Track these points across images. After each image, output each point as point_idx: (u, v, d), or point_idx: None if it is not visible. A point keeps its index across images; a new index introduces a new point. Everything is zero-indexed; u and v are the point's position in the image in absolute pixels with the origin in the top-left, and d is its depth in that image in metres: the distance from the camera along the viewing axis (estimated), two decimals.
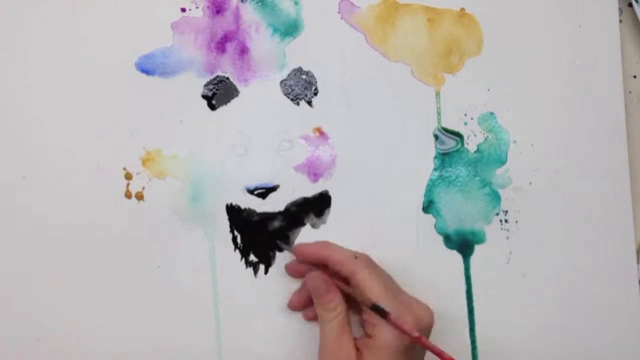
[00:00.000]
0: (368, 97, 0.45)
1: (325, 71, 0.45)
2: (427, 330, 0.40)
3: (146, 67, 0.44)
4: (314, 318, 0.43)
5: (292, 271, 0.44)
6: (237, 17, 0.44)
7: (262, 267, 0.44)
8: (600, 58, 0.46)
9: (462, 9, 0.46)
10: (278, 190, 0.44)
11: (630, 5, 0.48)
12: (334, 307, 0.40)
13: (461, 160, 0.46)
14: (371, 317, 0.39)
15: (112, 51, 0.44)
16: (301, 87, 0.45)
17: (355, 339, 0.39)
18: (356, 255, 0.41)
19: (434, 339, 0.45)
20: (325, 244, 0.43)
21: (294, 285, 0.44)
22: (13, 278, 0.43)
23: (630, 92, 0.48)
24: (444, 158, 0.45)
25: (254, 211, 0.44)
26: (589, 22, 0.46)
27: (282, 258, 0.44)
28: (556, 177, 0.46)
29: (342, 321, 0.39)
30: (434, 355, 0.38)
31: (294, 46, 0.45)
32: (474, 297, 0.45)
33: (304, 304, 0.43)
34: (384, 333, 0.38)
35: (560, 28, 0.46)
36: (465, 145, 0.46)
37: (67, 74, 0.44)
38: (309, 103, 0.45)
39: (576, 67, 0.46)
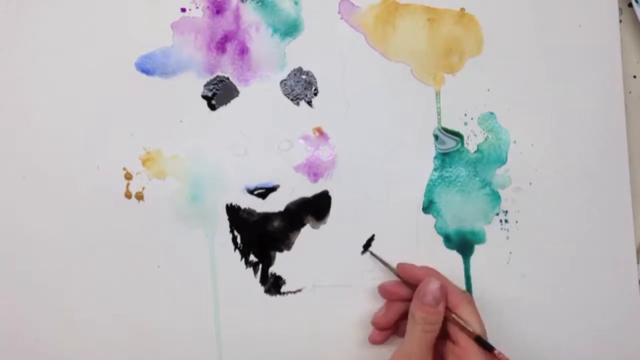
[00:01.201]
0: (368, 97, 0.45)
1: (325, 71, 0.45)
2: None
3: (146, 67, 0.44)
4: (381, 341, 0.44)
5: (389, 292, 0.43)
6: (237, 17, 0.44)
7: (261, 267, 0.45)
8: (600, 58, 0.46)
9: (462, 9, 0.46)
10: (278, 190, 0.44)
11: (630, 5, 0.48)
12: (437, 320, 0.40)
13: (461, 160, 0.46)
14: (459, 348, 0.39)
15: (112, 51, 0.44)
16: (301, 87, 0.45)
17: None
18: (461, 292, 0.42)
19: None
20: (432, 270, 0.43)
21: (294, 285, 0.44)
22: (13, 278, 0.43)
23: (630, 92, 0.47)
24: (444, 158, 0.45)
25: (254, 211, 0.44)
26: (589, 22, 0.46)
27: (282, 258, 0.45)
28: (556, 177, 0.46)
29: (435, 337, 0.40)
30: None
31: (294, 46, 0.45)
32: (474, 297, 0.45)
33: (391, 325, 0.43)
34: None
35: (560, 28, 0.46)
36: (465, 145, 0.46)
37: (67, 74, 0.44)
38: (309, 103, 0.45)
39: (576, 67, 0.46)
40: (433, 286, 0.40)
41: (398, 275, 0.43)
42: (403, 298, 0.43)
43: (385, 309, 0.44)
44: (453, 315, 0.40)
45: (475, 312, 0.41)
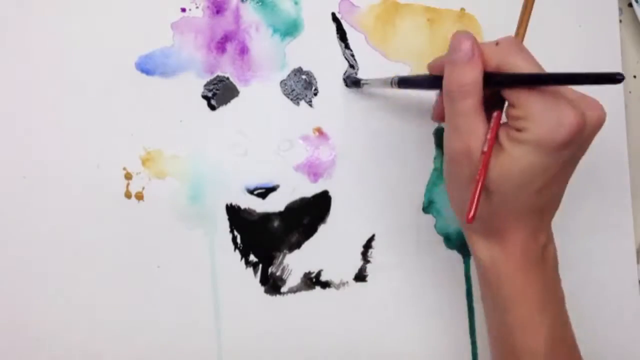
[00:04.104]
0: (368, 97, 0.45)
1: (325, 71, 0.45)
2: (591, 131, 0.33)
3: (146, 67, 0.44)
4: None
5: (438, 111, 0.38)
6: (237, 17, 0.44)
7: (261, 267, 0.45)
8: (600, 58, 0.46)
9: (462, 9, 0.46)
10: (278, 190, 0.44)
11: (630, 5, 0.48)
12: (473, 77, 0.32)
13: None
14: (522, 109, 0.32)
15: (112, 51, 0.44)
16: (301, 87, 0.45)
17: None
18: (497, 42, 0.34)
19: (434, 338, 0.45)
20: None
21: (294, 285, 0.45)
22: (13, 278, 0.43)
23: (630, 92, 0.48)
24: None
25: (254, 211, 0.44)
26: (589, 22, 0.46)
27: (282, 258, 0.45)
28: None
29: (479, 102, 0.32)
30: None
31: (294, 46, 0.45)
32: (474, 297, 0.45)
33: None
34: (540, 125, 0.31)
35: (560, 28, 0.46)
36: None
37: (67, 73, 0.44)
38: (309, 103, 0.45)
39: (576, 67, 0.46)
40: (459, 37, 0.33)
41: (431, 84, 0.37)
42: None
43: (438, 100, 0.38)
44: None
45: (522, 61, 0.32)
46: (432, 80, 0.37)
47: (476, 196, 0.32)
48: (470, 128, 0.33)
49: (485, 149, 0.32)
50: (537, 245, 0.35)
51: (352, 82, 0.44)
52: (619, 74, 0.30)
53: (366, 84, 0.43)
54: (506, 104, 0.33)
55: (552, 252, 0.36)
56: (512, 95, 0.32)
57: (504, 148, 0.32)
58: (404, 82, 0.40)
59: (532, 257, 0.35)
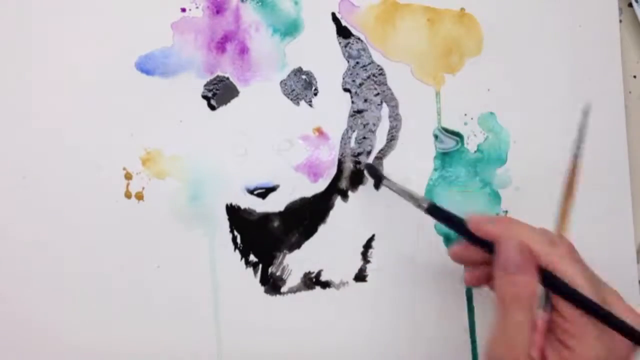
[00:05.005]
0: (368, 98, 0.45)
1: (325, 71, 0.45)
2: None
3: (146, 67, 0.44)
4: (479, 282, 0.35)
5: (459, 256, 0.36)
6: (237, 17, 0.44)
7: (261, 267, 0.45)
8: (600, 58, 0.46)
9: (462, 9, 0.46)
10: (278, 190, 0.44)
11: (630, 5, 0.48)
12: (529, 292, 0.30)
13: (461, 160, 0.46)
14: (574, 326, 0.30)
15: (112, 51, 0.44)
16: (301, 87, 0.45)
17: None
18: (554, 240, 0.32)
19: (434, 339, 0.45)
20: (508, 221, 0.34)
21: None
22: (13, 278, 0.43)
23: (630, 92, 0.48)
24: (444, 158, 0.45)
25: (254, 211, 0.44)
26: (589, 22, 0.46)
27: (282, 258, 0.44)
28: (556, 177, 0.46)
29: (535, 310, 0.31)
30: None
31: (294, 46, 0.45)
32: (474, 298, 0.45)
33: (483, 282, 0.35)
34: (591, 348, 0.29)
35: (560, 28, 0.46)
36: (466, 145, 0.46)
37: (67, 73, 0.44)
38: (309, 103, 0.45)
39: (576, 67, 0.46)
40: (509, 247, 0.31)
41: (462, 233, 0.35)
42: (482, 262, 0.34)
43: (472, 268, 0.36)
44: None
45: (573, 268, 0.30)
46: (475, 240, 0.35)
47: None
48: (523, 342, 0.30)
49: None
50: None
51: (373, 175, 0.41)
52: None
53: (387, 186, 0.39)
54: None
55: None
56: (563, 305, 0.30)
57: None
58: (436, 213, 0.36)
59: None
